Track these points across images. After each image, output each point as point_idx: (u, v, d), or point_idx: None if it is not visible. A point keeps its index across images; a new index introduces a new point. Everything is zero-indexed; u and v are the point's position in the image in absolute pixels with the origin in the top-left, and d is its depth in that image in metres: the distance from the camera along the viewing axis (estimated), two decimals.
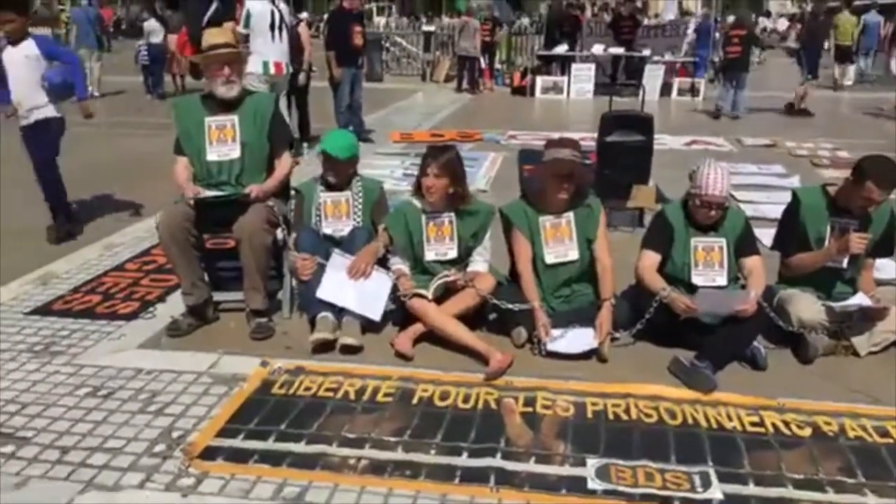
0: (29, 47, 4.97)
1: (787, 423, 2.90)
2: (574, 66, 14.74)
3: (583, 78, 14.61)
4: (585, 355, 3.41)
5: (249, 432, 2.80)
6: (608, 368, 3.37)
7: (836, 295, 3.56)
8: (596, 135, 5.53)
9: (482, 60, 15.49)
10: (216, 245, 4.13)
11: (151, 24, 14.68)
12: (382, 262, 3.72)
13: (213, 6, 9.64)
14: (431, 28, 19.19)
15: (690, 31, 15.53)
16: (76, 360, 3.39)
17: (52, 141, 5.21)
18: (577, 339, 3.46)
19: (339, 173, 3.88)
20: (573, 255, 3.66)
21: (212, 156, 3.75)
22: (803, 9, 45.76)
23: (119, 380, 3.21)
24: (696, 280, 3.46)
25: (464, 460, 2.63)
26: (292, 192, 4.06)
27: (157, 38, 14.28)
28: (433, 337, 3.53)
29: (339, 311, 3.58)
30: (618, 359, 3.43)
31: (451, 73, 16.93)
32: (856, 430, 2.86)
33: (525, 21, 20.36)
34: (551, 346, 3.43)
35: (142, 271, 4.57)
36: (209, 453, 2.66)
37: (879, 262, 3.79)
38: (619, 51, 14.66)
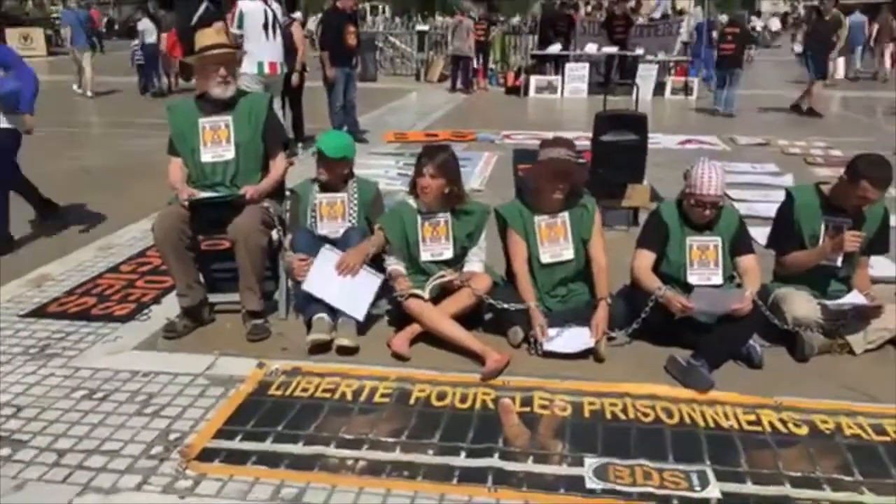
0: None
1: (784, 422, 2.91)
2: (568, 65, 14.76)
3: (577, 77, 14.63)
4: (582, 355, 3.41)
5: (247, 434, 2.79)
6: (605, 368, 3.37)
7: (831, 293, 3.57)
8: (590, 134, 5.54)
9: (476, 60, 15.49)
10: (211, 246, 4.12)
11: (145, 24, 14.82)
12: (376, 263, 3.72)
13: (203, 6, 9.63)
14: (425, 28, 19.19)
15: (683, 29, 15.58)
16: (72, 363, 3.38)
17: (3, 155, 4.93)
18: (573, 339, 3.46)
19: (334, 173, 3.87)
20: (568, 254, 3.66)
21: (206, 157, 3.75)
22: (795, 8, 45.97)
23: (115, 382, 3.20)
24: (692, 279, 3.47)
25: (462, 460, 2.63)
26: (287, 193, 4.05)
27: (151, 38, 14.44)
28: (430, 337, 3.53)
29: (335, 312, 3.58)
30: (614, 358, 3.44)
31: (445, 73, 16.95)
32: (852, 428, 2.87)
33: (515, 20, 20.41)
34: (548, 346, 3.44)
35: (137, 273, 4.56)
36: (206, 455, 2.65)
37: (874, 259, 3.80)
38: (613, 50, 14.68)
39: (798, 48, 11.26)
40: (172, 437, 2.77)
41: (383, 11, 29.70)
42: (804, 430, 2.86)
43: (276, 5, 7.76)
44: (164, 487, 2.48)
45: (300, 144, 8.61)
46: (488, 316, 3.73)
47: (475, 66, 15.59)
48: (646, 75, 13.85)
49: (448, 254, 3.70)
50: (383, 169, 7.40)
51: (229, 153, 3.75)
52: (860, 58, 18.10)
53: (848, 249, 3.44)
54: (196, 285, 3.74)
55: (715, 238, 3.50)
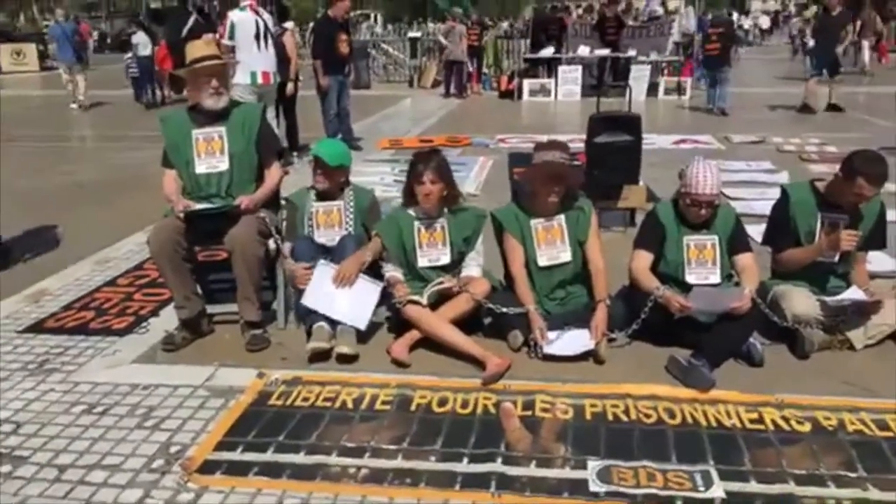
0: None
1: (786, 419, 2.90)
2: (560, 68, 14.81)
3: (570, 80, 14.67)
4: (582, 357, 3.41)
5: (248, 445, 2.78)
6: (605, 369, 3.36)
7: (829, 289, 3.57)
8: (584, 136, 5.54)
9: (469, 65, 15.52)
10: (208, 257, 4.10)
11: (139, 38, 14.96)
12: (373, 270, 3.71)
13: (192, 19, 9.65)
14: (417, 34, 19.23)
15: (675, 30, 15.64)
16: (71, 378, 3.36)
17: None
18: (573, 341, 3.46)
19: (332, 181, 3.87)
20: (566, 257, 3.66)
21: (200, 168, 3.74)
22: (786, 6, 46.11)
23: (115, 396, 3.18)
24: (690, 278, 3.47)
25: (464, 466, 2.62)
26: (283, 202, 4.05)
27: (145, 51, 14.58)
28: (429, 343, 3.52)
29: (335, 320, 3.57)
30: (615, 359, 3.43)
31: (438, 79, 16.98)
32: (855, 424, 2.87)
33: (505, 25, 20.46)
34: (548, 349, 3.43)
35: (134, 286, 4.55)
36: (208, 467, 2.64)
37: (872, 254, 3.80)
38: (605, 52, 14.73)
39: (811, 42, 11.23)
40: (173, 450, 2.76)
41: (374, 20, 29.77)
42: (807, 427, 2.85)
43: (267, 15, 7.78)
44: (166, 501, 2.46)
45: (295, 153, 8.61)
46: (487, 320, 3.72)
47: (469, 70, 15.60)
48: (639, 76, 13.89)
49: (445, 259, 3.70)
50: (378, 176, 7.40)
51: (223, 164, 3.74)
52: (843, 53, 18.26)
53: (844, 248, 3.44)
54: (194, 297, 3.73)
55: (712, 237, 3.50)
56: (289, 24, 9.09)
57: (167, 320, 3.90)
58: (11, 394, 3.21)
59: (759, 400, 3.04)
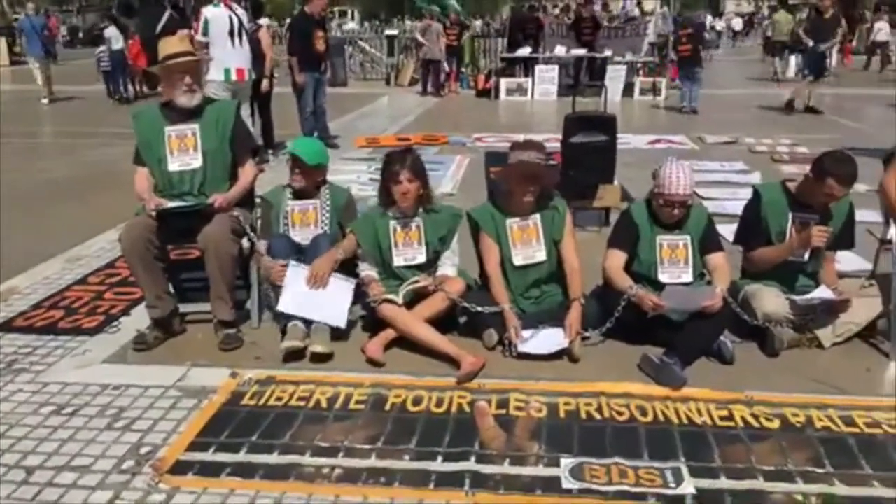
0: None
1: (755, 416, 2.94)
2: (537, 67, 14.86)
3: (546, 79, 14.72)
4: (557, 355, 3.42)
5: (220, 445, 2.75)
6: (579, 368, 3.39)
7: (799, 288, 3.63)
8: (560, 136, 5.56)
9: (445, 64, 15.48)
10: (181, 256, 4.06)
11: (111, 31, 14.79)
12: (347, 268, 3.70)
13: (166, 14, 9.53)
14: (395, 32, 19.18)
15: (650, 30, 15.77)
16: (40, 378, 3.31)
17: None
18: (547, 340, 3.47)
19: (308, 179, 3.84)
20: (541, 256, 3.68)
21: (173, 166, 3.70)
22: (760, 8, 46.62)
23: (84, 396, 3.14)
24: (663, 278, 3.50)
25: (438, 465, 2.62)
26: (257, 201, 4.02)
27: (117, 45, 14.43)
28: (404, 342, 3.52)
29: (309, 319, 3.55)
30: (589, 358, 3.45)
31: (415, 77, 16.95)
32: (823, 421, 2.92)
33: (478, 24, 20.48)
34: (522, 348, 3.44)
35: (105, 284, 4.49)
36: (179, 468, 2.61)
37: (841, 254, 3.87)
38: (581, 52, 14.81)
39: (810, 42, 11.46)
40: (144, 450, 2.73)
41: (351, 17, 29.63)
42: (776, 424, 2.90)
43: (241, 11, 7.71)
44: (137, 502, 2.43)
45: (270, 151, 8.55)
46: (463, 319, 3.73)
47: (445, 69, 15.58)
48: (614, 76, 13.98)
49: (421, 258, 3.70)
50: (355, 174, 7.38)
51: (196, 161, 3.71)
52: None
53: (815, 244, 3.49)
54: (166, 296, 3.69)
55: (684, 237, 3.54)
56: (264, 21, 9.02)
57: (139, 319, 3.86)
58: None
59: (730, 397, 3.08)
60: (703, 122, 11.35)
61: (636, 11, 18.45)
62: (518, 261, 3.66)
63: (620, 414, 2.97)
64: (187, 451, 2.71)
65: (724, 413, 2.97)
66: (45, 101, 13.93)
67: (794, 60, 17.55)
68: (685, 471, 2.58)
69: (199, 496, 2.46)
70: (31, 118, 12.65)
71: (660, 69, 15.26)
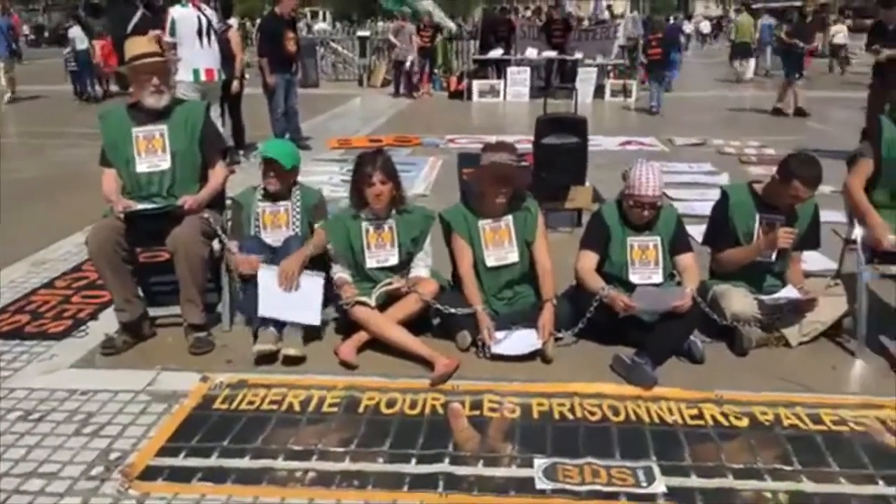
0: None
1: (725, 415, 2.98)
2: (509, 69, 14.92)
3: (518, 81, 14.80)
4: (530, 356, 3.44)
5: (191, 450, 2.72)
6: (552, 368, 3.41)
7: (766, 288, 3.68)
8: (532, 137, 5.59)
9: (416, 64, 15.44)
10: (150, 259, 4.00)
11: (75, 32, 14.62)
12: (319, 266, 3.68)
13: (138, 14, 9.39)
14: (367, 33, 19.11)
15: (620, 33, 15.92)
16: (6, 384, 3.25)
17: None
18: (520, 341, 3.49)
19: (283, 182, 3.82)
20: (513, 257, 3.69)
21: (142, 167, 3.64)
22: (727, 11, 47.25)
23: (52, 402, 3.08)
24: (634, 278, 3.54)
25: (412, 467, 2.62)
26: (228, 202, 3.98)
27: (82, 45, 14.28)
28: (377, 344, 3.51)
29: (282, 322, 3.53)
30: (561, 358, 3.47)
31: (388, 78, 16.91)
32: (790, 419, 2.97)
33: (451, 25, 20.49)
34: (495, 349, 3.45)
35: (72, 288, 4.41)
36: (149, 474, 2.58)
37: (807, 254, 3.93)
38: (552, 54, 14.89)
39: (800, 44, 11.77)
40: (113, 456, 2.69)
41: (323, 17, 29.47)
42: (745, 423, 2.94)
43: (209, 11, 7.62)
44: None
45: (241, 152, 8.47)
46: (436, 321, 3.73)
47: (416, 69, 15.54)
48: (585, 78, 14.09)
49: (394, 260, 3.69)
50: (327, 175, 7.34)
51: (165, 163, 3.66)
52: (769, 58, 19.30)
53: (781, 245, 3.55)
54: (135, 299, 3.64)
55: (654, 238, 3.58)
56: (233, 21, 8.93)
57: (107, 323, 3.80)
58: None
59: (700, 396, 3.12)
60: (673, 124, 11.47)
61: (606, 14, 18.61)
62: (490, 262, 3.67)
63: (593, 414, 2.99)
64: (157, 457, 2.68)
65: (695, 412, 3.00)
66: (6, 98, 13.70)
67: (752, 63, 18.39)
68: (656, 469, 2.61)
69: (170, 502, 2.44)
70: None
71: (630, 71, 15.42)
